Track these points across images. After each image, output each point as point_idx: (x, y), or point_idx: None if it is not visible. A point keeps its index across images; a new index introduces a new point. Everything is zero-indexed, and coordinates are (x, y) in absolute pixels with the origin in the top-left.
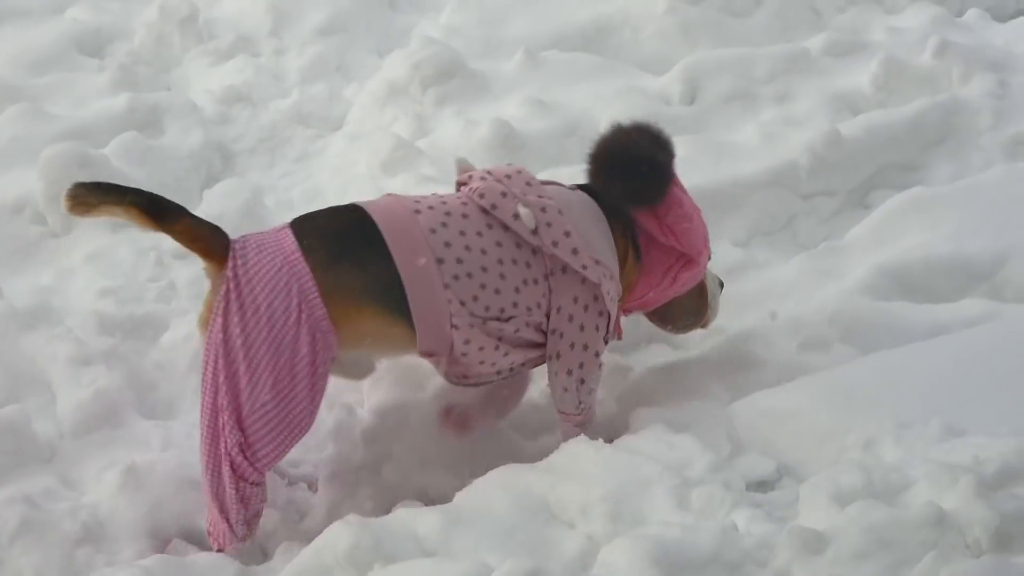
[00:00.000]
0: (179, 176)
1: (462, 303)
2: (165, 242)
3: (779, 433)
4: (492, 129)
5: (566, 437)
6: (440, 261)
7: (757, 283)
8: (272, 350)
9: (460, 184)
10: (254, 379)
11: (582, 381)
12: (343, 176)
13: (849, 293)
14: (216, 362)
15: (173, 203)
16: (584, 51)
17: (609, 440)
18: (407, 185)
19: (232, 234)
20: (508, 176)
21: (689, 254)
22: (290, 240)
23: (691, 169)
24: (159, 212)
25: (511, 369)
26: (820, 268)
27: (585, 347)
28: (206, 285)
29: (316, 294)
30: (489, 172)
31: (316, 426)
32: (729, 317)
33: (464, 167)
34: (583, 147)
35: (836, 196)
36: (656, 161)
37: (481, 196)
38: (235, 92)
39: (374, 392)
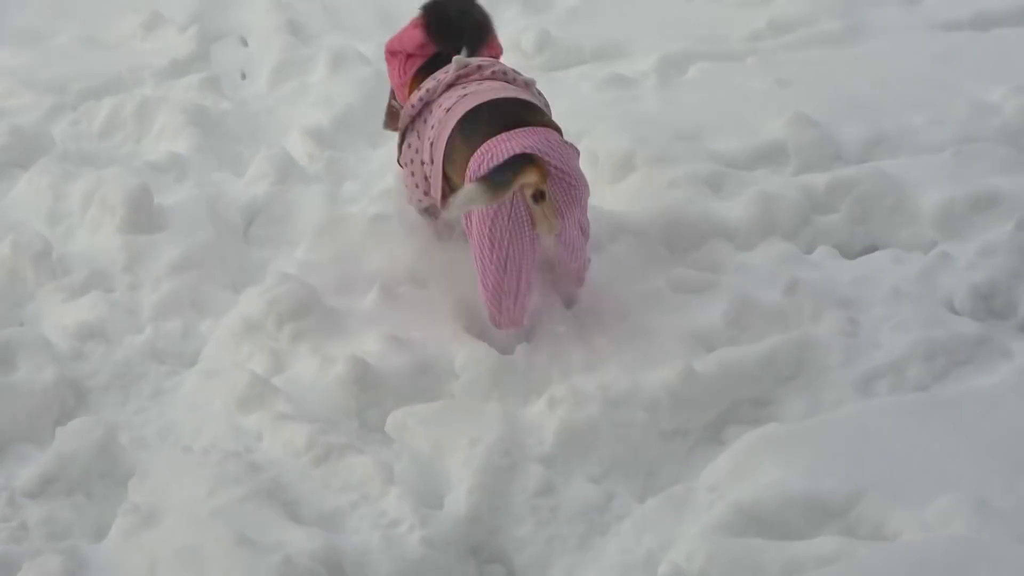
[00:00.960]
0: (31, 413)
1: None
2: (16, 480)
3: None
4: (348, 366)
5: None
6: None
7: (612, 523)
8: None
9: (463, 76)
10: None
11: None
12: (198, 413)
13: (704, 531)
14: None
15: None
16: (439, 287)
17: None
18: (262, 423)
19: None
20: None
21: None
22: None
23: None
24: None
25: None
26: (675, 506)
27: None
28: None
29: None
30: (480, 65)
31: None
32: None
33: (462, 62)
34: (439, 384)
35: (691, 433)
36: (479, 15)
37: (504, 73)
38: (89, 328)
39: None
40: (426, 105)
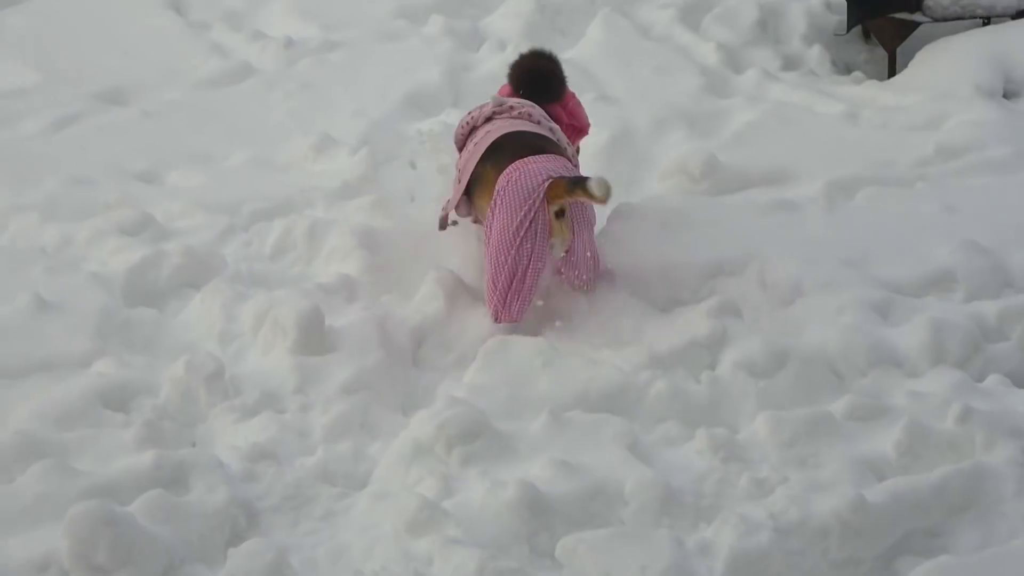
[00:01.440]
0: (203, 534)
1: None
2: None
3: None
4: (518, 491)
5: None
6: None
7: None
8: None
9: (497, 112)
10: None
11: None
12: (369, 536)
13: None
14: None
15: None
16: (608, 411)
17: None
18: (432, 547)
19: None
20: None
21: (582, 126)
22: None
23: None
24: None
25: None
26: None
27: None
28: None
29: None
30: (512, 106)
31: None
32: None
33: (498, 101)
34: (608, 510)
35: (862, 564)
36: (557, 73)
37: (530, 115)
38: (260, 449)
39: None
40: (473, 129)
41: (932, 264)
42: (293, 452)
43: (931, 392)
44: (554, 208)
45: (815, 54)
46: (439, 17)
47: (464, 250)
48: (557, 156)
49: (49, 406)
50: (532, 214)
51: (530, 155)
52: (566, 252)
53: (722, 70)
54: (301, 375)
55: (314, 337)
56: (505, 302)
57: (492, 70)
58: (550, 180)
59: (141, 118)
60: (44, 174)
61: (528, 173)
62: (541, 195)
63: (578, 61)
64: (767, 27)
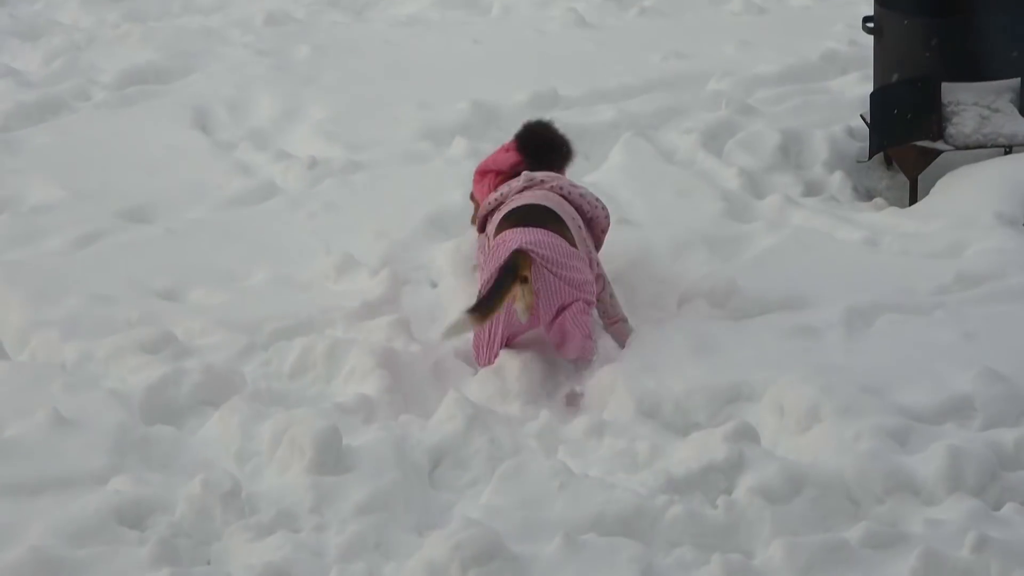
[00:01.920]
0: None
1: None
2: None
3: None
4: None
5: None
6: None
7: None
8: None
9: (528, 187)
10: None
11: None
12: None
13: None
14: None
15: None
16: (623, 535)
17: None
18: None
19: None
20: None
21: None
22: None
23: None
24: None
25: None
26: None
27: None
28: None
29: None
30: (543, 179)
31: None
32: None
33: (528, 175)
34: None
35: None
36: (557, 135)
37: (561, 187)
38: (275, 569)
39: None
40: (499, 205)
41: (950, 391)
42: (307, 572)
43: (947, 520)
44: (522, 272)
45: (837, 180)
46: (462, 139)
47: (484, 372)
48: (543, 230)
49: (64, 523)
50: (498, 276)
51: (533, 226)
52: (548, 330)
53: (743, 195)
54: (317, 494)
55: (331, 456)
56: (476, 352)
57: None
58: (516, 249)
59: (164, 236)
60: (66, 291)
61: (510, 240)
62: (504, 261)
63: (601, 184)
64: (789, 153)
